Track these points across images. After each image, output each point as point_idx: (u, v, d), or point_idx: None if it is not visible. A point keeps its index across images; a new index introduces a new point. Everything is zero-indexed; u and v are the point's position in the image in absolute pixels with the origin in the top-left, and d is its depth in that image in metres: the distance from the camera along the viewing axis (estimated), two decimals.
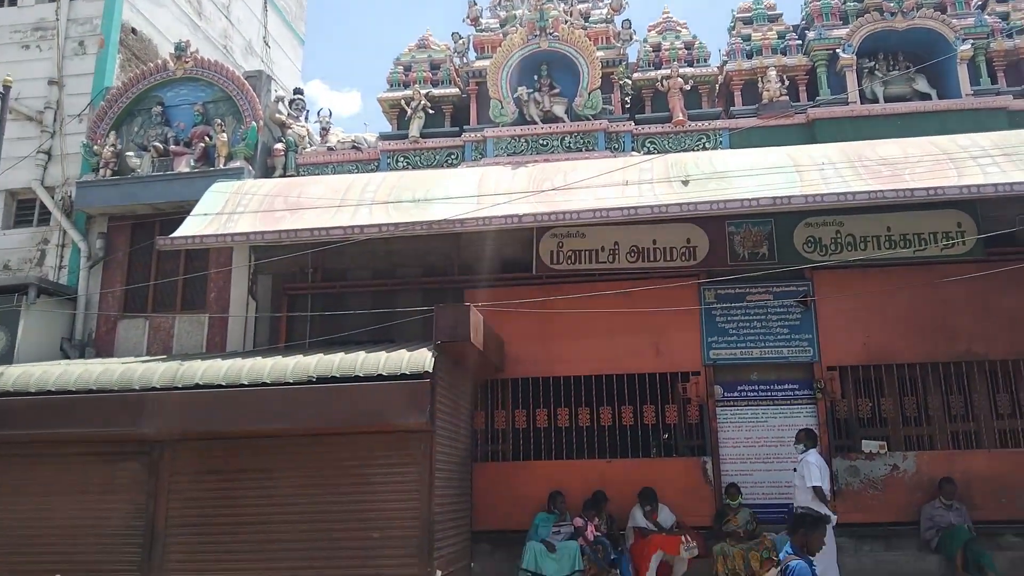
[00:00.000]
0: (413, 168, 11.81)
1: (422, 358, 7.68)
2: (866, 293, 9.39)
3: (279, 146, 12.06)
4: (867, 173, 9.04)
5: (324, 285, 10.62)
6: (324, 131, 12.56)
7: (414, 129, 12.13)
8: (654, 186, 9.38)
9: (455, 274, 10.40)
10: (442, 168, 11.81)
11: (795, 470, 8.35)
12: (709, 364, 9.60)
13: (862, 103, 11.41)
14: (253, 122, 11.54)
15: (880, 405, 9.39)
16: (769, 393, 9.52)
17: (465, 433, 9.07)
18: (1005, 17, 11.71)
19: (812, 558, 4.68)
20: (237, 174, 11.07)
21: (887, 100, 11.43)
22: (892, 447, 9.19)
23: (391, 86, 12.92)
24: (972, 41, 11.27)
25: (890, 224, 9.69)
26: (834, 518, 7.56)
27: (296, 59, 14.52)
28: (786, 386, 9.52)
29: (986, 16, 11.68)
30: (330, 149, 12.32)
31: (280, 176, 11.68)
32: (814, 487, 7.94)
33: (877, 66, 11.73)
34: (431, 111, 12.38)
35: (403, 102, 12.41)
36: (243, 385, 7.71)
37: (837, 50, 11.59)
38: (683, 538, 8.18)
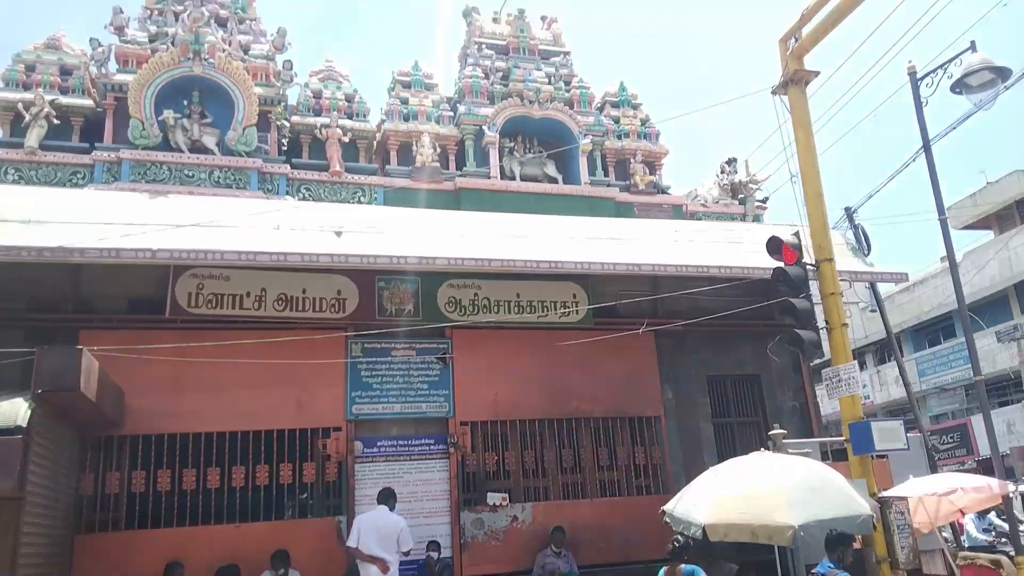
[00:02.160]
0: (27, 184, 10.16)
1: (14, 410, 6.51)
2: (497, 353, 10.20)
3: None
4: (503, 243, 9.95)
5: None
6: None
7: (32, 138, 10.50)
8: (307, 233, 9.23)
9: (69, 312, 9.03)
10: (64, 188, 10.33)
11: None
12: (351, 419, 9.56)
13: (502, 178, 12.62)
14: None
15: (505, 458, 10.17)
16: (407, 448, 9.77)
17: (66, 500, 7.80)
18: (617, 120, 13.90)
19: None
20: None
21: (523, 178, 12.80)
22: (513, 499, 9.96)
23: (6, 84, 11.10)
24: (592, 137, 13.18)
25: (519, 291, 10.69)
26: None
27: None
28: (423, 440, 9.86)
29: (603, 117, 13.76)
30: None
31: None
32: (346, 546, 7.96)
33: (516, 147, 13.12)
34: (56, 121, 10.84)
35: (21, 106, 10.70)
36: None
37: (483, 127, 12.71)
38: None
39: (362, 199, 11.82)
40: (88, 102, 11.38)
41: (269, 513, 9.12)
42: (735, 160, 14.36)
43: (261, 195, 11.01)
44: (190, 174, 10.97)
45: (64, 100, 11.16)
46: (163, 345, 8.42)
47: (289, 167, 11.62)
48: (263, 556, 8.22)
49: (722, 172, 14.24)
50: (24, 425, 6.42)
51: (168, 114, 10.95)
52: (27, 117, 10.64)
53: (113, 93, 11.19)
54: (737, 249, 10.99)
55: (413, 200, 11.66)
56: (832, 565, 6.25)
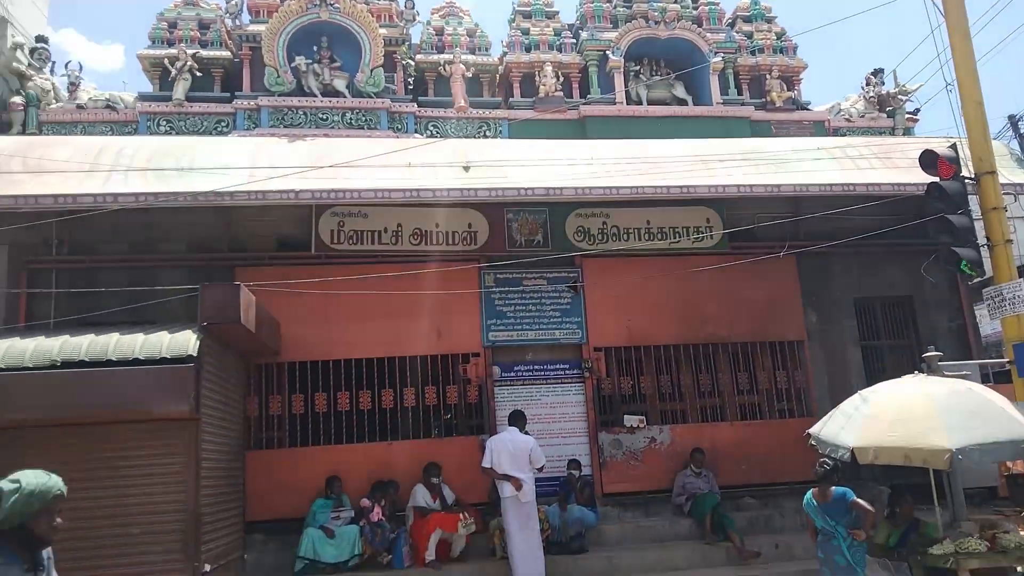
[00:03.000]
0: (177, 134, 10.87)
1: (185, 340, 7.07)
2: (629, 280, 10.11)
3: (17, 99, 10.56)
4: (630, 169, 9.73)
5: (71, 259, 9.37)
6: (73, 86, 11.17)
7: (179, 91, 11.16)
8: (436, 169, 9.39)
9: (225, 251, 9.67)
10: (210, 136, 10.97)
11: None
12: (488, 346, 9.83)
13: (628, 104, 12.27)
14: None
15: (640, 383, 10.18)
16: (543, 373, 9.96)
17: (236, 420, 8.50)
18: (750, 36, 13.16)
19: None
20: None
21: (650, 103, 12.41)
22: (650, 421, 10.01)
23: (153, 43, 11.79)
24: (723, 55, 12.56)
25: (649, 218, 10.49)
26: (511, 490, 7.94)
27: (42, 2, 12.66)
28: (558, 366, 10.01)
29: (735, 33, 13.06)
30: (80, 107, 10.97)
31: (19, 134, 10.18)
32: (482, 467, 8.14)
33: (642, 71, 12.70)
34: (199, 73, 11.46)
35: (167, 61, 11.38)
36: None
37: (607, 52, 12.36)
38: (462, 515, 8.32)
39: (488, 133, 11.87)
40: (226, 53, 11.92)
41: (417, 432, 9.59)
42: (882, 71, 13.32)
43: (391, 134, 11.27)
44: (324, 117, 11.36)
45: (204, 53, 11.74)
46: (310, 280, 8.92)
47: (416, 105, 11.80)
48: (413, 471, 8.73)
49: (868, 84, 13.25)
50: (195, 354, 6.97)
51: (300, 60, 11.33)
52: (173, 71, 11.29)
53: (248, 43, 11.66)
54: (886, 165, 10.26)
55: (538, 131, 11.58)
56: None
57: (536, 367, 9.97)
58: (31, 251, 9.23)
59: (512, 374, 9.87)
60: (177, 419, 6.89)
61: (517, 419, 8.47)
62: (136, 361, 6.87)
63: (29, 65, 11.01)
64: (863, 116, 12.93)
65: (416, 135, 11.49)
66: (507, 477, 7.96)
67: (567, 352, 10.06)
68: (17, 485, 2.88)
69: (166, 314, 8.42)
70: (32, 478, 2.94)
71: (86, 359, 6.83)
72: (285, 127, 11.12)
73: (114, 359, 6.86)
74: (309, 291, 8.79)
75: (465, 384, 9.73)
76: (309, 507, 8.42)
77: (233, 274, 9.12)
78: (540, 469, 8.24)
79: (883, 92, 13.07)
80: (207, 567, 6.65)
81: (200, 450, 7.00)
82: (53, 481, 2.98)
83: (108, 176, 8.63)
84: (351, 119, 11.40)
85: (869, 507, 6.42)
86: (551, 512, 8.64)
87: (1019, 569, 6.23)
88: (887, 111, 13.01)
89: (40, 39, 11.55)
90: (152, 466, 6.79)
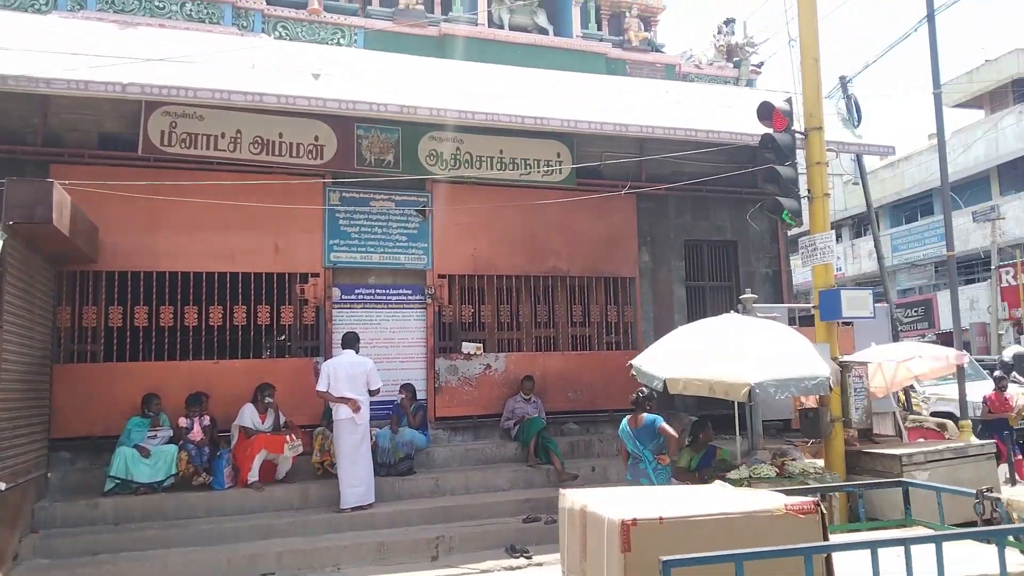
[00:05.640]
0: None
1: None
2: (477, 208, 10.09)
3: None
4: (486, 94, 9.63)
5: None
6: None
7: None
8: (283, 74, 8.88)
9: (39, 144, 8.73)
10: (26, 13, 9.75)
11: None
12: (329, 266, 9.56)
13: (489, 26, 12.06)
14: None
15: (480, 312, 10.34)
16: (385, 296, 9.87)
17: (43, 330, 7.86)
18: None
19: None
20: None
21: (512, 28, 12.27)
22: (487, 349, 10.22)
23: None
24: None
25: (503, 147, 10.45)
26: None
27: None
28: (400, 290, 9.94)
29: None
30: None
31: None
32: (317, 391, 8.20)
33: None
34: None
35: None
36: None
37: None
38: (288, 437, 8.22)
39: (341, 41, 11.32)
40: None
41: (247, 352, 9.29)
42: (733, 21, 13.82)
43: (235, 31, 10.50)
44: (160, 5, 10.40)
45: None
46: (136, 182, 8.26)
47: (265, 2, 11.02)
48: (241, 391, 8.46)
49: (719, 32, 13.73)
50: None
51: None
52: None
53: None
54: (727, 114, 10.75)
55: (394, 45, 11.18)
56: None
57: (378, 291, 9.85)
58: None
59: (353, 296, 9.70)
60: None
61: (352, 341, 8.39)
62: None
63: None
64: (712, 64, 13.44)
65: (264, 35, 10.75)
66: (344, 400, 7.93)
67: (411, 277, 10.00)
68: None
69: None
70: None
71: None
72: (115, 12, 10.11)
73: None
74: (134, 195, 8.16)
75: (302, 305, 9.46)
76: (124, 426, 8.00)
77: (48, 171, 8.26)
78: (376, 392, 8.27)
79: (732, 42, 13.61)
80: (2, 485, 6.21)
81: (1, 360, 6.46)
82: None
83: None
84: (191, 11, 10.51)
85: (674, 432, 6.94)
86: (382, 435, 8.74)
87: None
88: (734, 61, 13.58)
89: None
90: None
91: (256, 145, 9.30)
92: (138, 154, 8.84)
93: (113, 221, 8.43)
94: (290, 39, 10.92)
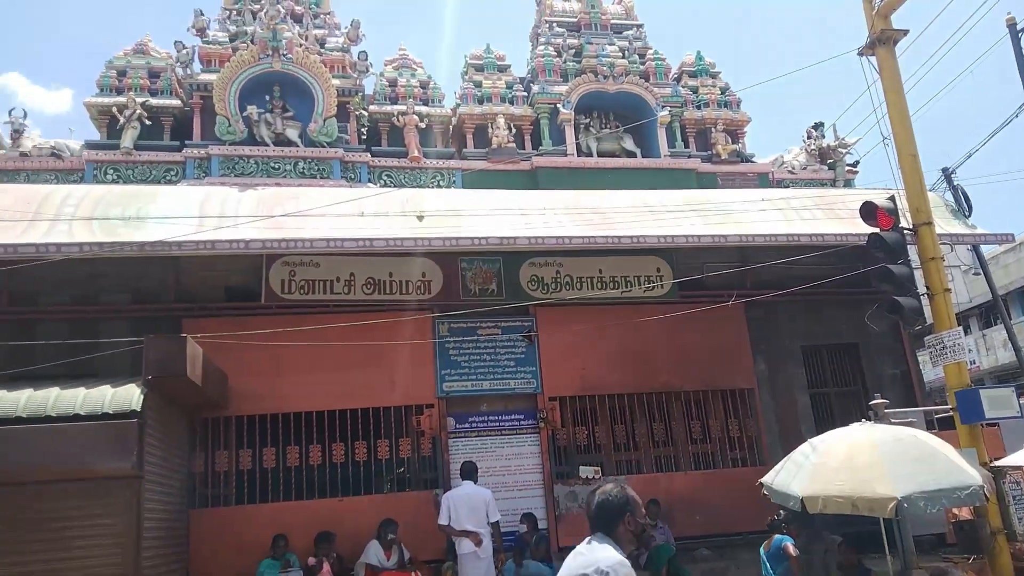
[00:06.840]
0: (125, 183, 10.66)
1: (128, 395, 6.87)
2: (582, 329, 10.15)
3: None
4: (582, 220, 9.88)
5: (9, 310, 9.08)
6: (16, 133, 10.90)
7: (127, 139, 10.99)
8: (390, 219, 9.39)
9: (171, 301, 9.46)
10: (159, 185, 10.81)
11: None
12: (442, 396, 9.73)
13: (578, 156, 12.49)
14: None
15: (595, 433, 10.16)
16: (498, 423, 9.89)
17: (180, 477, 8.22)
18: (695, 90, 13.58)
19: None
20: None
21: (600, 155, 12.64)
22: (605, 472, 9.96)
23: (101, 91, 11.67)
24: (669, 108, 12.91)
25: (602, 267, 10.61)
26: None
27: None
28: (513, 416, 9.95)
29: (680, 88, 13.45)
30: (23, 155, 10.73)
31: None
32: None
33: (592, 123, 12.96)
34: (148, 122, 11.32)
35: (115, 109, 11.22)
36: None
37: (558, 105, 12.61)
38: (414, 574, 8.12)
39: (441, 183, 11.93)
40: (176, 102, 11.83)
41: (369, 487, 9.40)
42: (822, 124, 13.81)
43: (344, 183, 11.25)
44: (276, 166, 11.30)
45: (154, 101, 11.63)
46: (260, 331, 8.76)
47: (369, 155, 11.82)
48: (365, 527, 8.49)
49: (809, 137, 13.73)
50: (138, 409, 6.77)
51: (252, 110, 11.28)
52: (121, 120, 11.13)
53: (199, 92, 11.58)
54: (828, 216, 10.59)
55: (491, 182, 11.68)
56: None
57: (491, 418, 9.89)
58: None
59: (467, 425, 9.77)
60: (119, 477, 6.65)
61: (471, 472, 8.37)
62: (77, 417, 6.63)
63: None
64: (805, 168, 13.36)
65: (370, 185, 11.49)
66: (466, 533, 7.82)
67: (522, 402, 10.02)
68: None
69: (110, 368, 8.15)
70: None
71: (23, 415, 6.58)
72: (236, 176, 11.02)
73: (53, 415, 6.62)
74: (258, 342, 8.62)
75: (419, 436, 9.58)
76: (256, 568, 8.11)
77: (180, 326, 8.91)
78: (495, 524, 8.12)
79: (823, 145, 13.55)
80: None
81: (143, 509, 6.74)
82: None
83: (51, 225, 8.42)
84: (303, 168, 11.36)
85: (794, 554, 6.48)
86: (507, 569, 8.49)
87: None
88: (828, 163, 13.47)
89: None
90: (92, 527, 6.51)
91: (368, 286, 9.78)
92: (261, 303, 9.43)
93: (240, 367, 8.90)
94: (394, 186, 11.60)
